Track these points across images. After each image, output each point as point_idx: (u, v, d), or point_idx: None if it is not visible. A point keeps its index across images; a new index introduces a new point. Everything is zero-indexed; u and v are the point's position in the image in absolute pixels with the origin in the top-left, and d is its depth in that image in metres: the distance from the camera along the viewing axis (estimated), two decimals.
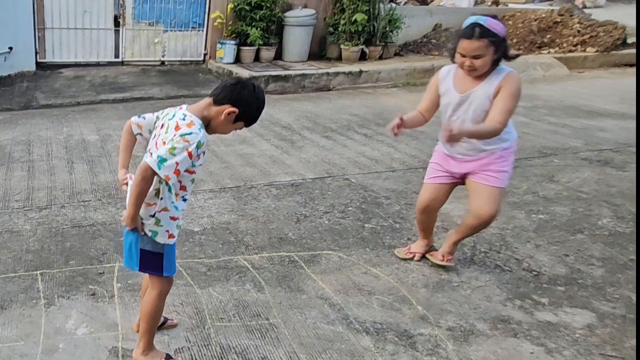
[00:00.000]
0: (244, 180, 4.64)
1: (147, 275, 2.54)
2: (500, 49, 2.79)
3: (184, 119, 2.11)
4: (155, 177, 2.12)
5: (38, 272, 3.19)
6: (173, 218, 2.21)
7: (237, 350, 2.56)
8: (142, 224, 2.20)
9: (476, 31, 2.74)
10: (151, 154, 2.11)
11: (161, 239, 2.22)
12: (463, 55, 2.82)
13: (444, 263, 3.26)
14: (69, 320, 2.75)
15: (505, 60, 2.86)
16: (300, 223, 3.87)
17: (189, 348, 2.57)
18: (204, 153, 2.18)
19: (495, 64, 2.83)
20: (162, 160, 2.02)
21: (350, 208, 4.12)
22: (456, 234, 3.28)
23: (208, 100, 2.19)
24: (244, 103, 2.14)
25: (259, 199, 4.27)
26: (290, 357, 2.52)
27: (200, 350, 2.56)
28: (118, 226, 3.78)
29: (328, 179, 4.70)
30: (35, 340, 2.61)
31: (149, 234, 2.20)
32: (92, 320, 2.75)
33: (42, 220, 3.87)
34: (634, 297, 3.02)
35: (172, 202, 2.18)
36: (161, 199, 2.16)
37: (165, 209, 2.18)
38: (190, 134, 2.06)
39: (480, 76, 2.86)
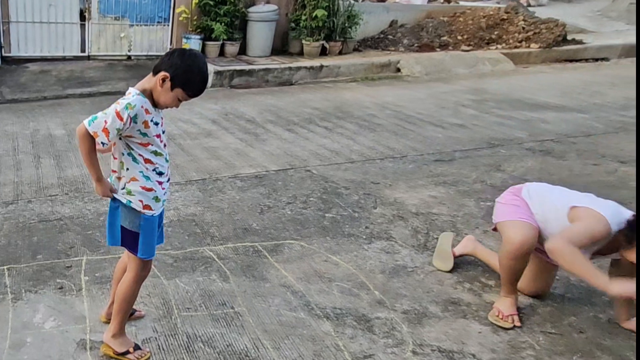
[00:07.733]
0: (209, 173, 4.57)
1: (119, 265, 2.50)
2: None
3: (124, 94, 2.18)
4: (120, 150, 2.17)
5: (5, 267, 3.07)
6: (145, 188, 2.20)
7: (203, 339, 2.53)
8: (116, 196, 2.23)
9: None
10: None
11: (136, 206, 2.21)
12: None
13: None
14: (36, 314, 2.66)
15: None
16: (264, 214, 3.84)
17: (156, 338, 2.53)
18: (156, 124, 2.17)
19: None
20: (93, 119, 2.10)
21: (311, 199, 4.11)
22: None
23: (150, 74, 2.20)
24: (173, 67, 2.12)
25: (224, 191, 4.21)
26: (255, 344, 2.51)
27: (167, 340, 2.52)
28: (85, 220, 3.67)
29: (290, 170, 4.67)
30: (3, 335, 2.51)
31: (125, 201, 2.21)
32: (59, 313, 2.67)
33: (9, 215, 3.72)
34: (571, 278, 3.11)
35: (141, 173, 2.19)
36: (127, 169, 2.19)
37: (133, 179, 2.19)
38: (123, 99, 2.12)
39: None
